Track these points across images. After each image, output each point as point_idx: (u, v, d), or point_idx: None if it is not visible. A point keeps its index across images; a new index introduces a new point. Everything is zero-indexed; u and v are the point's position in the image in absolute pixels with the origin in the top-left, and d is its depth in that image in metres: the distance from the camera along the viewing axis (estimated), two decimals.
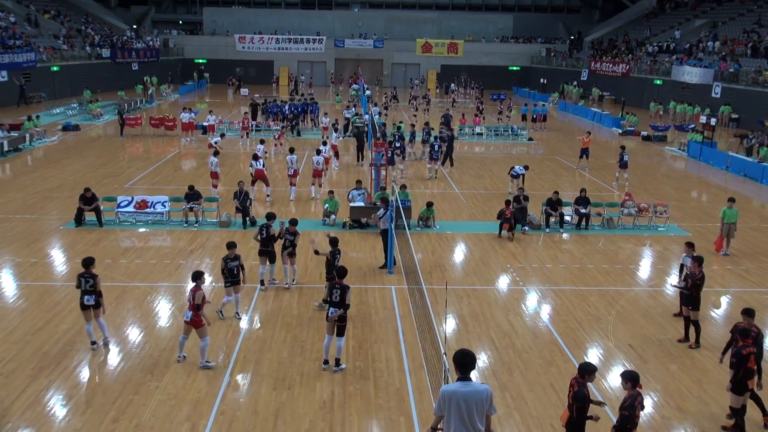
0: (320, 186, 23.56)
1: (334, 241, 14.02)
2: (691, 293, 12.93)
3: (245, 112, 35.58)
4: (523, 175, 24.99)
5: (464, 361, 7.29)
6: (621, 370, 11.86)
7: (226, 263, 13.31)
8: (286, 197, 23.21)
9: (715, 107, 43.65)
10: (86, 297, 12.10)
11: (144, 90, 52.78)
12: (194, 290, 11.51)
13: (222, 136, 31.06)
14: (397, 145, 27.69)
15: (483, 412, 7.30)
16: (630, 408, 8.39)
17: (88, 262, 12.32)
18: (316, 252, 14.36)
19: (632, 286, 16.19)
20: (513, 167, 25.11)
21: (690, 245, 14.34)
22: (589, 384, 8.66)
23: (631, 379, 8.54)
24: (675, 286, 14.22)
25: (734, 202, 18.61)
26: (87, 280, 12.12)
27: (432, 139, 28.86)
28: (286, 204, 22.71)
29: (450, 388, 7.32)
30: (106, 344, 12.42)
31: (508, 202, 19.77)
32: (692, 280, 12.99)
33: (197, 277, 11.67)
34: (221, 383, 11.15)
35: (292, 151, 23.45)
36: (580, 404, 8.48)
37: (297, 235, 15.01)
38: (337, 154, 29.19)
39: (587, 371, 8.58)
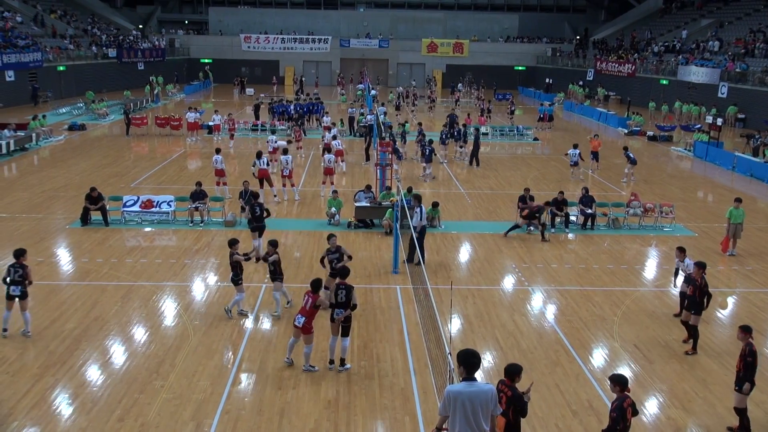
0: (332, 183, 23.13)
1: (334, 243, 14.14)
2: (695, 298, 12.68)
3: (229, 114, 35.27)
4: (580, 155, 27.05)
5: (469, 361, 7.30)
6: (626, 370, 11.91)
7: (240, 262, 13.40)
8: (287, 198, 23.21)
9: (722, 107, 43.51)
10: (12, 288, 12.26)
11: (150, 90, 52.95)
12: (314, 297, 11.35)
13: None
14: (395, 144, 27.83)
15: (488, 412, 7.32)
16: (618, 410, 8.19)
17: (19, 253, 12.55)
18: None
19: (638, 287, 16.16)
20: (567, 153, 27.14)
21: (681, 250, 14.24)
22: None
23: (619, 382, 8.36)
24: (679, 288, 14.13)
25: (740, 202, 18.55)
26: (16, 270, 12.30)
27: (426, 139, 28.92)
28: (289, 204, 22.73)
29: (455, 388, 7.33)
30: (25, 335, 12.51)
31: (548, 201, 20.41)
32: (694, 285, 12.72)
33: (319, 286, 11.50)
34: (226, 383, 11.17)
35: (285, 151, 23.29)
36: (519, 406, 8.31)
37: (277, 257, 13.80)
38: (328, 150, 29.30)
39: (516, 373, 8.42)
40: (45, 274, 15.87)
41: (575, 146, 27.39)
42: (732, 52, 48.22)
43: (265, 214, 17.23)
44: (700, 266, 12.87)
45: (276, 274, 13.55)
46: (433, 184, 26.16)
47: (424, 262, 16.91)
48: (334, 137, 28.36)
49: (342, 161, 28.32)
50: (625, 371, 11.90)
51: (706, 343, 13.14)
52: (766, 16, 50.93)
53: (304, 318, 11.31)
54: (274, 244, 13.66)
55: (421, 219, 17.05)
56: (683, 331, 13.33)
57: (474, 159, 29.89)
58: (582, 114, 51.42)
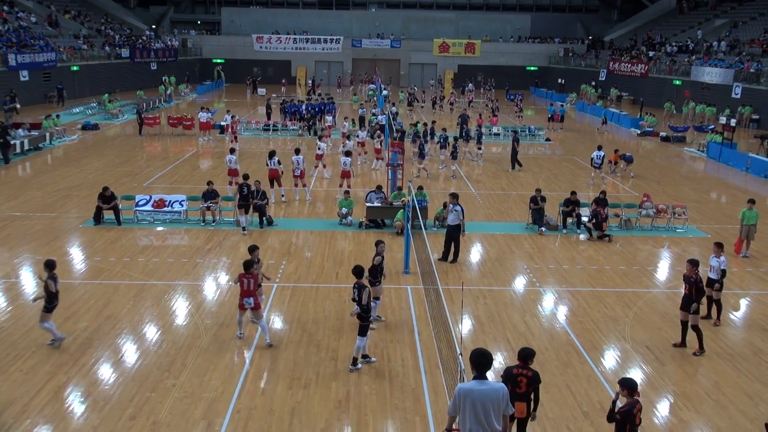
0: (349, 186, 22.72)
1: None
2: (691, 297, 12.51)
3: (233, 116, 35.22)
4: (603, 157, 26.88)
5: (480, 361, 7.28)
6: (638, 372, 11.85)
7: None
8: (299, 198, 23.25)
9: (736, 108, 43.19)
10: None
11: (164, 89, 53.25)
12: (253, 276, 12.35)
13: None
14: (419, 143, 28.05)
15: (500, 411, 7.29)
16: (625, 414, 8.01)
17: None
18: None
19: (650, 288, 16.06)
20: (591, 156, 27.06)
21: (719, 246, 13.97)
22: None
23: (628, 386, 8.17)
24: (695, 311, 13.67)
25: (754, 203, 18.41)
26: None
27: (419, 138, 29.05)
28: (300, 205, 22.78)
29: (466, 386, 7.29)
30: None
31: (597, 201, 20.00)
32: (688, 283, 12.54)
33: (250, 265, 12.39)
34: (237, 382, 11.20)
35: (297, 151, 23.31)
36: (538, 384, 8.50)
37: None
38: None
39: (529, 356, 8.53)
40: (58, 272, 15.89)
41: (599, 148, 27.13)
42: (747, 52, 47.87)
43: (250, 193, 19.26)
44: (694, 264, 12.60)
45: (49, 302, 12.20)
46: (443, 184, 26.11)
47: (456, 259, 17.37)
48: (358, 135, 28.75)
49: (381, 159, 28.55)
50: (636, 373, 11.85)
51: (719, 345, 13.06)
52: None
53: (251, 298, 12.30)
54: (50, 265, 12.31)
55: (462, 218, 17.12)
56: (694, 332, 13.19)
57: (515, 162, 29.39)
58: (594, 114, 51.19)
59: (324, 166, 26.81)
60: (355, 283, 11.64)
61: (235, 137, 33.09)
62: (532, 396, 8.54)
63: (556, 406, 10.71)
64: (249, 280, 12.29)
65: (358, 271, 11.82)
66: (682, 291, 12.90)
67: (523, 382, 8.34)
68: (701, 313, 13.62)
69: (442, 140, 29.97)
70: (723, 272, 13.88)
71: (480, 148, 31.38)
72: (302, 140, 35.45)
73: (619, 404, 8.27)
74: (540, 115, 49.63)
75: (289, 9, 79.73)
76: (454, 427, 7.64)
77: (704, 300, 13.35)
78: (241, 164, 26.23)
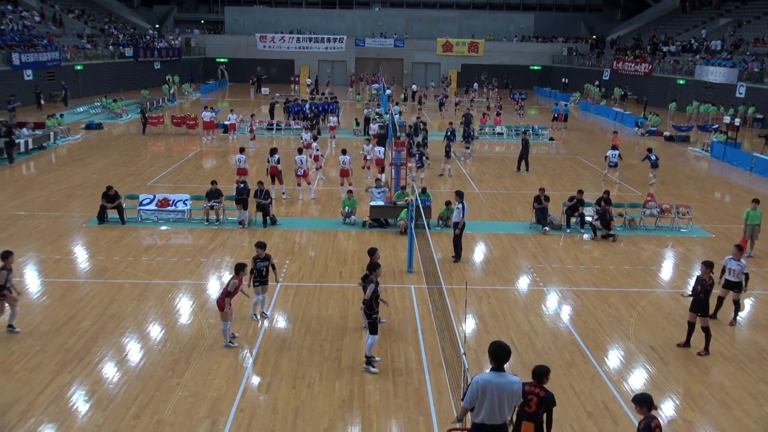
0: (350, 184, 22.82)
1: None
2: (701, 299, 12.46)
3: (252, 115, 35.14)
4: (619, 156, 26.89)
5: (499, 354, 7.40)
6: (642, 372, 11.84)
7: (256, 263, 13.35)
8: (302, 198, 23.25)
9: (739, 107, 43.10)
10: None
11: (168, 88, 53.31)
12: (232, 278, 12.26)
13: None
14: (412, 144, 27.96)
15: (513, 403, 7.43)
16: (646, 429, 7.64)
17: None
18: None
19: (654, 288, 16.04)
20: (606, 155, 27.12)
21: (739, 248, 13.85)
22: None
23: (644, 402, 7.80)
24: (685, 296, 13.58)
25: (758, 203, 18.36)
26: None
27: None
28: (304, 204, 22.78)
29: (484, 377, 7.38)
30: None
31: (605, 200, 19.80)
32: (702, 286, 12.45)
33: (240, 269, 12.31)
34: (241, 381, 11.22)
35: (300, 151, 23.29)
36: (551, 406, 8.07)
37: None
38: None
39: (544, 374, 8.12)
40: (62, 271, 16.02)
41: (614, 147, 27.14)
42: (751, 51, 47.75)
43: (246, 190, 19.79)
44: (708, 265, 12.60)
45: None
46: (447, 183, 26.10)
47: (458, 259, 17.36)
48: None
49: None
50: (640, 373, 11.84)
51: (723, 345, 13.04)
52: None
53: (219, 295, 12.23)
54: None
55: (462, 216, 17.09)
56: (700, 333, 13.15)
57: (522, 163, 28.97)
58: (598, 114, 51.16)
59: (319, 168, 25.98)
60: (363, 276, 11.67)
61: (254, 135, 33.31)
62: (544, 418, 8.09)
63: (560, 406, 10.65)
64: (235, 280, 12.22)
65: (368, 266, 11.90)
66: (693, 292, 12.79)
67: (533, 401, 7.98)
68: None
69: (423, 139, 29.48)
70: (746, 276, 13.76)
71: (468, 148, 31.24)
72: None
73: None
74: (543, 114, 49.58)
75: (292, 8, 79.74)
76: (457, 427, 7.63)
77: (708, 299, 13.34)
78: (250, 164, 26.28)
